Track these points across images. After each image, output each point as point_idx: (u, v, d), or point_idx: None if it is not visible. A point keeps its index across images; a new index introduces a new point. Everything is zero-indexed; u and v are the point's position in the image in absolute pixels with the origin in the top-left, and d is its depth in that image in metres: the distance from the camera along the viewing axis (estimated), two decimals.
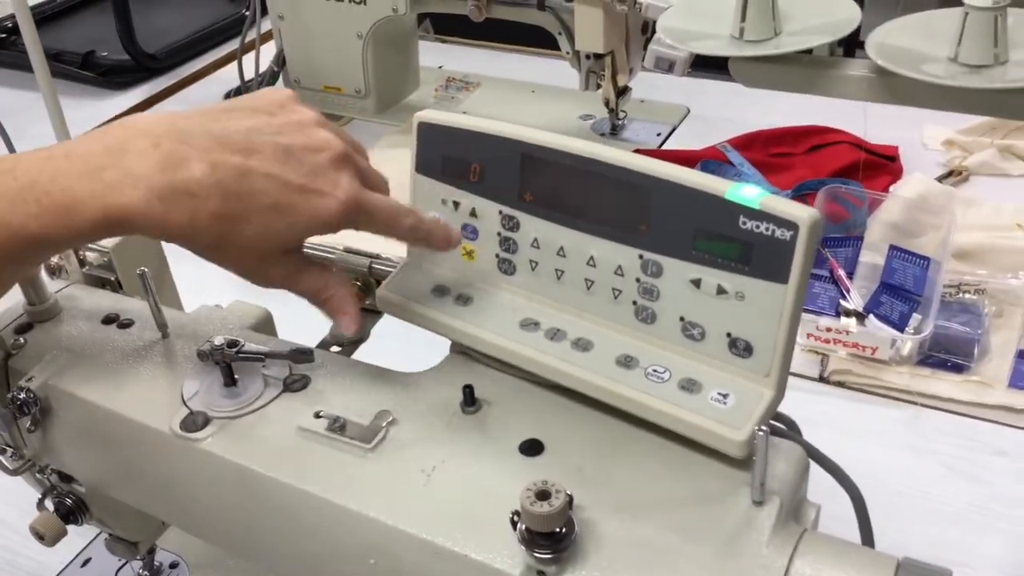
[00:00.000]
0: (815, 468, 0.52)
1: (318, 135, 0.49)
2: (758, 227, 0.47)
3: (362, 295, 0.65)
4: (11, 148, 1.32)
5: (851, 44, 1.28)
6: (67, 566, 0.82)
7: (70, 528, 0.66)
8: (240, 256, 0.50)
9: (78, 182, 0.46)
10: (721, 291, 0.49)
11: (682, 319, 0.51)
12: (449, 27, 1.74)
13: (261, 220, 0.48)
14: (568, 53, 1.28)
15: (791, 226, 0.46)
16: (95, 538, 0.82)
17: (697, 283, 0.50)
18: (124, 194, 0.46)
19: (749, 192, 0.47)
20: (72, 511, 0.64)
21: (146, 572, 0.76)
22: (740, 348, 0.49)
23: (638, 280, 0.52)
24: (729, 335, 0.49)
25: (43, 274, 0.65)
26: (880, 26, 0.71)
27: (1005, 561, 0.77)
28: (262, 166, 0.47)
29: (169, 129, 0.47)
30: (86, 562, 0.81)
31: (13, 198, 0.46)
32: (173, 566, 0.78)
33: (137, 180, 0.46)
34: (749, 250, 0.48)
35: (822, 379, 0.95)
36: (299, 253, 0.52)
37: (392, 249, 0.63)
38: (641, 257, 0.51)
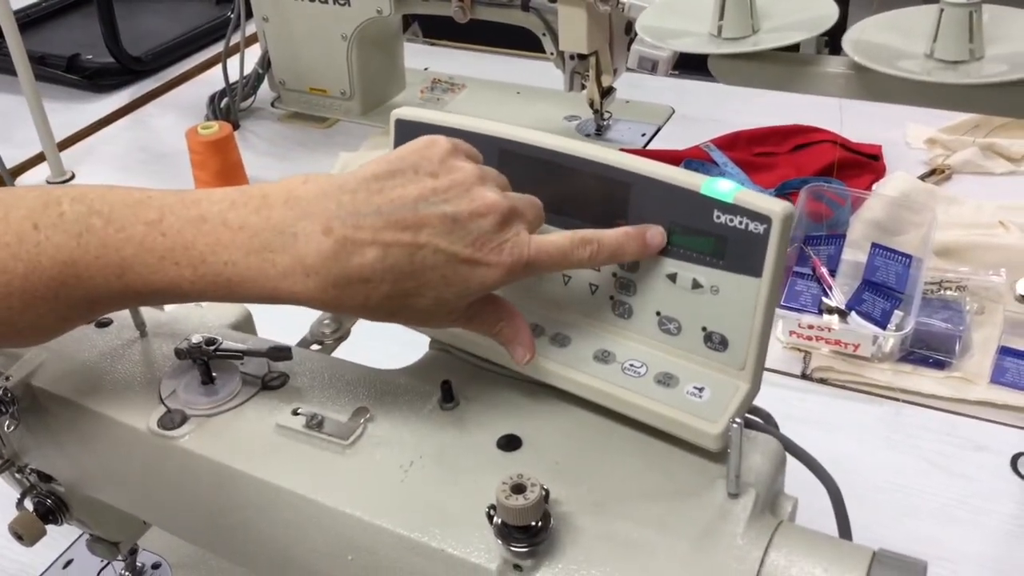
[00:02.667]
0: (798, 463, 0.52)
1: (482, 197, 0.48)
2: (732, 221, 0.47)
3: None
4: None
5: (836, 41, 1.29)
6: (49, 567, 0.81)
7: (53, 529, 0.66)
8: (411, 320, 0.50)
9: (244, 260, 0.46)
10: (696, 285, 0.49)
11: (658, 313, 0.51)
12: (435, 29, 1.75)
13: (431, 293, 0.47)
14: (552, 54, 1.28)
15: (764, 219, 0.46)
16: (77, 539, 0.82)
17: (673, 277, 0.50)
18: (297, 282, 0.46)
19: (723, 186, 0.47)
20: (52, 511, 0.64)
21: (128, 573, 0.76)
22: (715, 342, 0.50)
23: (615, 275, 0.52)
24: (704, 329, 0.50)
25: None
26: (856, 23, 0.72)
27: (986, 555, 0.78)
28: (431, 241, 0.46)
29: (338, 211, 0.46)
30: (68, 563, 0.81)
31: (163, 255, 0.46)
32: (155, 567, 0.78)
33: (310, 269, 0.46)
34: (723, 244, 0.48)
35: (804, 376, 0.95)
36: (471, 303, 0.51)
37: None
38: None
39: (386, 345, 0.63)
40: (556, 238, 0.50)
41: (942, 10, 0.67)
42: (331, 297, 0.46)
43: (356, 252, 0.46)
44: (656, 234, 0.50)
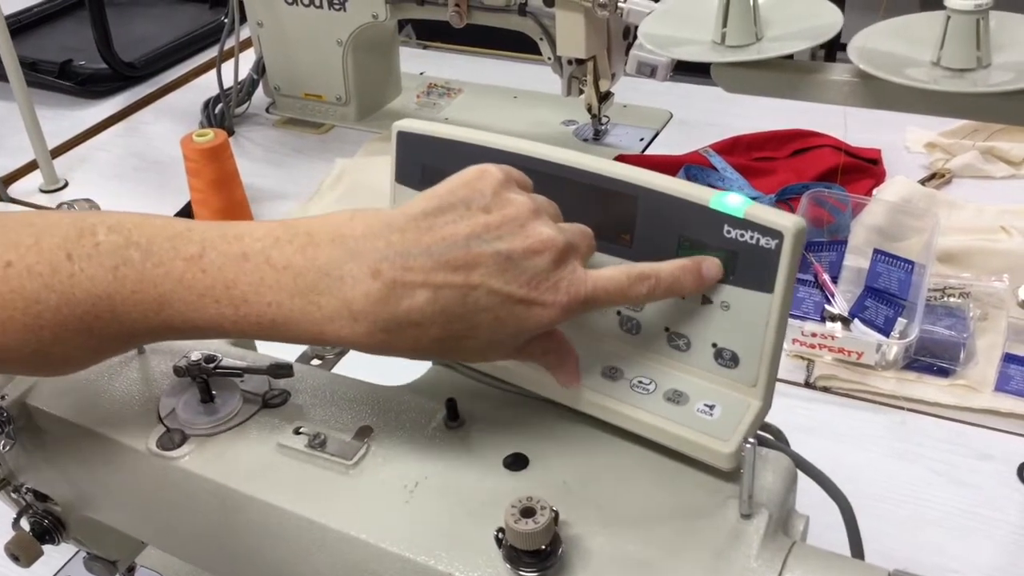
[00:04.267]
0: (804, 475, 0.51)
1: (537, 233, 0.45)
2: (742, 236, 0.46)
3: None
4: None
5: (832, 48, 1.28)
6: None
7: (48, 547, 0.64)
8: (463, 360, 0.49)
9: (289, 301, 0.44)
10: (706, 301, 0.48)
11: (667, 329, 0.50)
12: (431, 33, 1.74)
13: (483, 335, 0.46)
14: (550, 59, 1.27)
15: (776, 235, 0.45)
16: (73, 557, 0.81)
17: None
18: (344, 326, 0.44)
19: (733, 201, 0.47)
20: (48, 531, 0.63)
21: None
22: (726, 358, 0.49)
23: None
24: (715, 345, 0.49)
25: None
26: (862, 30, 0.71)
27: (992, 565, 0.77)
28: (485, 282, 0.44)
29: (386, 252, 0.44)
30: None
31: (203, 293, 0.45)
32: None
33: (358, 314, 0.44)
34: (734, 259, 0.47)
35: (808, 385, 0.95)
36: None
37: None
38: None
39: (387, 361, 0.62)
40: (613, 273, 0.47)
41: (948, 17, 0.66)
42: (379, 341, 0.45)
43: (406, 295, 0.44)
44: (712, 266, 0.47)
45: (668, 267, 0.48)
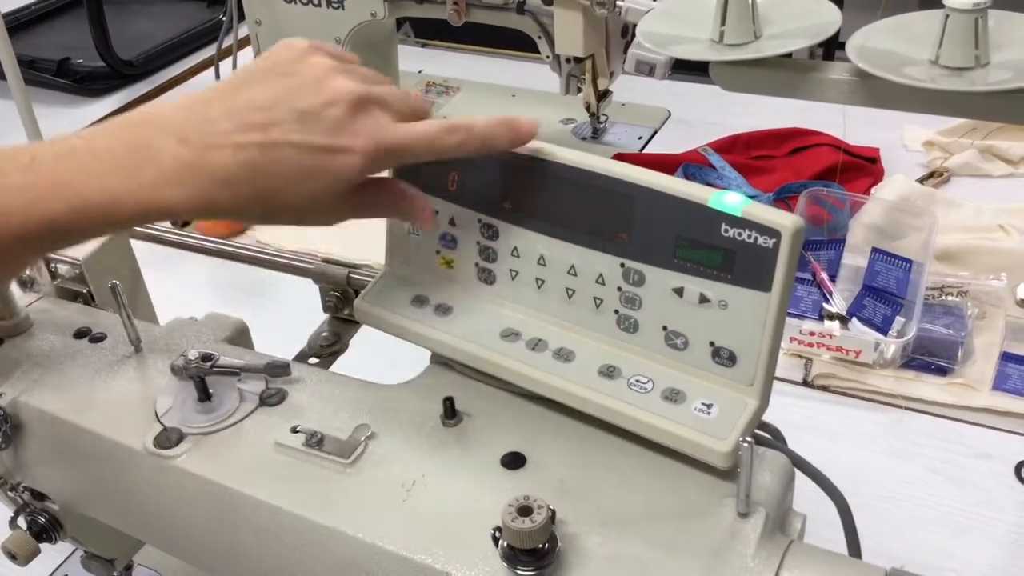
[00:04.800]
0: (802, 473, 0.51)
1: (333, 86, 0.48)
2: (740, 235, 0.46)
3: (340, 305, 0.64)
4: None
5: (831, 47, 1.28)
6: None
7: (45, 545, 0.64)
8: (291, 217, 0.50)
9: (111, 181, 0.46)
10: (704, 300, 0.48)
11: (665, 328, 0.50)
12: (429, 31, 1.74)
13: (296, 188, 0.48)
14: (548, 57, 1.27)
15: (774, 234, 0.45)
16: (70, 555, 0.81)
17: (680, 292, 0.49)
18: (162, 193, 0.46)
19: (731, 199, 0.46)
20: (45, 529, 0.63)
21: None
22: (724, 357, 0.49)
23: (620, 289, 0.51)
24: (712, 344, 0.49)
25: (14, 287, 0.63)
26: (860, 29, 0.71)
27: (991, 564, 0.77)
28: (283, 135, 0.47)
29: (193, 121, 0.47)
30: None
31: (39, 195, 0.46)
32: None
33: (173, 179, 0.46)
34: (732, 258, 0.47)
35: (806, 383, 0.95)
36: (349, 193, 0.51)
37: (372, 256, 0.62)
38: (623, 266, 0.50)
39: (385, 359, 0.62)
40: (421, 124, 0.50)
41: (947, 15, 0.66)
42: (201, 203, 0.47)
43: (211, 156, 0.46)
44: (529, 123, 0.51)
45: (483, 120, 0.51)
